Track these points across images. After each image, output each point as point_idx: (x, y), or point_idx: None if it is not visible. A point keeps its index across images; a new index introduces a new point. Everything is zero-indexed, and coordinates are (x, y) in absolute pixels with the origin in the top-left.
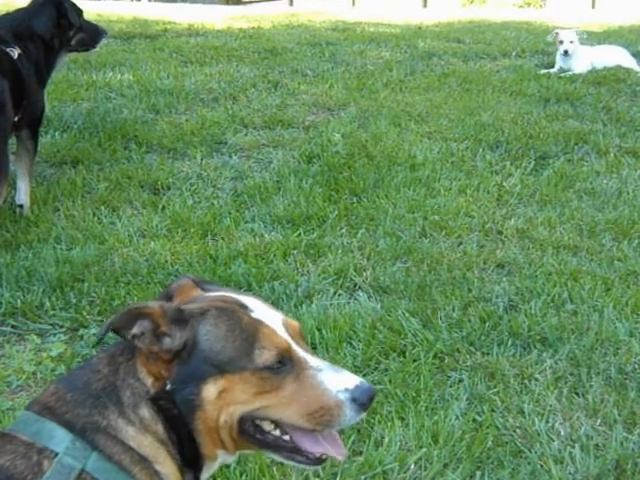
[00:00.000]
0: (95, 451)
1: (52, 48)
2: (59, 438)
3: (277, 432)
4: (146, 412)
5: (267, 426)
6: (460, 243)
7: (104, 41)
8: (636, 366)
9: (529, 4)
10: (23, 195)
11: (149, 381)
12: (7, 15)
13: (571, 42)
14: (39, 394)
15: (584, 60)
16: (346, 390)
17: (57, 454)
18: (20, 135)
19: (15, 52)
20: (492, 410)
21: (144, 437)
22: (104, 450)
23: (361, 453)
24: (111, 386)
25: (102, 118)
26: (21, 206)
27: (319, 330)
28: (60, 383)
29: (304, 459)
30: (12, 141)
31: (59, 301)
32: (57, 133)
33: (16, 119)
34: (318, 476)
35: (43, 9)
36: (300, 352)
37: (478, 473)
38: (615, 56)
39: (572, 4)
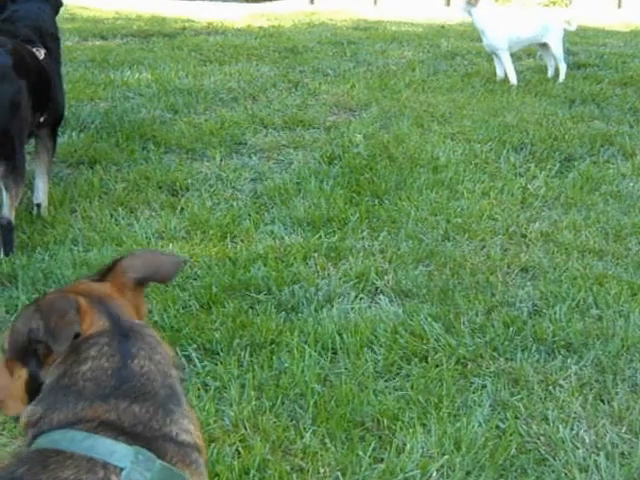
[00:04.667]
0: (158, 460)
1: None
2: (121, 453)
3: None
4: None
5: None
6: (483, 246)
7: None
8: None
9: (554, 3)
10: (41, 194)
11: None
12: (18, 10)
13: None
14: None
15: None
16: None
17: (122, 469)
18: (39, 134)
19: (42, 52)
20: (516, 417)
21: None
22: (166, 456)
23: (382, 460)
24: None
25: (120, 118)
26: (39, 205)
27: (340, 335)
28: None
29: None
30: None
31: None
32: (74, 133)
33: (41, 120)
34: None
35: (46, 5)
36: None
37: None
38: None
39: (598, 3)
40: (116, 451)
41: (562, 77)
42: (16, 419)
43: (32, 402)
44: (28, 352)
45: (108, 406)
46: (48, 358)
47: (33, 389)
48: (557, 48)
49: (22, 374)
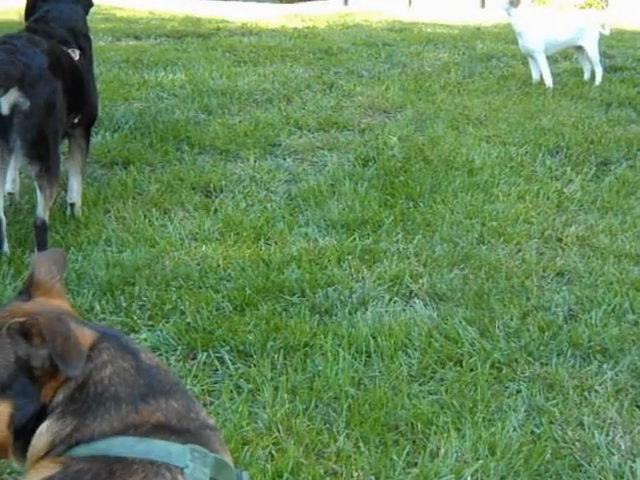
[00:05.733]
0: (211, 454)
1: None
2: (177, 452)
3: None
4: None
5: None
6: (519, 250)
7: None
8: None
9: (590, 5)
10: (75, 194)
11: None
12: (51, 10)
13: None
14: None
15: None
16: None
17: (182, 468)
18: (73, 134)
19: (76, 53)
20: (551, 422)
21: None
22: (210, 444)
23: (416, 464)
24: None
25: (154, 118)
26: (72, 205)
27: (374, 338)
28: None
29: None
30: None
31: (109, 304)
32: (108, 133)
33: (75, 121)
34: None
35: (77, 5)
36: None
37: None
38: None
39: (636, 5)
40: (172, 452)
41: (598, 80)
42: None
43: (49, 419)
44: (14, 382)
45: (151, 407)
46: (51, 380)
47: (22, 420)
48: (593, 51)
49: (2, 409)
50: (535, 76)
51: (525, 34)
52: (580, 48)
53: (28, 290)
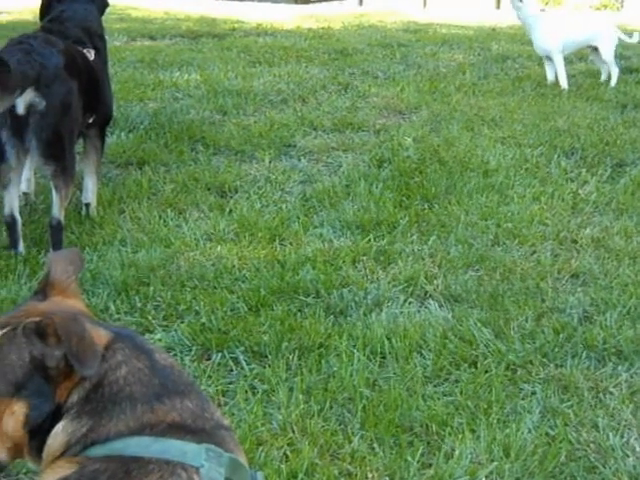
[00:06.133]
0: (226, 454)
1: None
2: (192, 452)
3: None
4: None
5: None
6: (534, 252)
7: None
8: None
9: (606, 6)
10: (90, 194)
11: None
12: (65, 10)
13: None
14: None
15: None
16: None
17: (198, 468)
18: (88, 134)
19: (92, 53)
20: (565, 424)
21: None
22: (225, 444)
23: (431, 465)
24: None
25: (169, 118)
26: (87, 205)
27: (389, 339)
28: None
29: None
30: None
31: (124, 305)
32: (123, 133)
33: (90, 121)
34: None
35: (92, 5)
36: None
37: None
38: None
39: None
40: (187, 451)
41: (614, 82)
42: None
43: (65, 420)
44: (26, 382)
45: (166, 407)
46: (66, 380)
47: (37, 420)
48: (608, 52)
49: (18, 409)
50: (550, 77)
51: (542, 35)
52: (595, 49)
53: (44, 289)
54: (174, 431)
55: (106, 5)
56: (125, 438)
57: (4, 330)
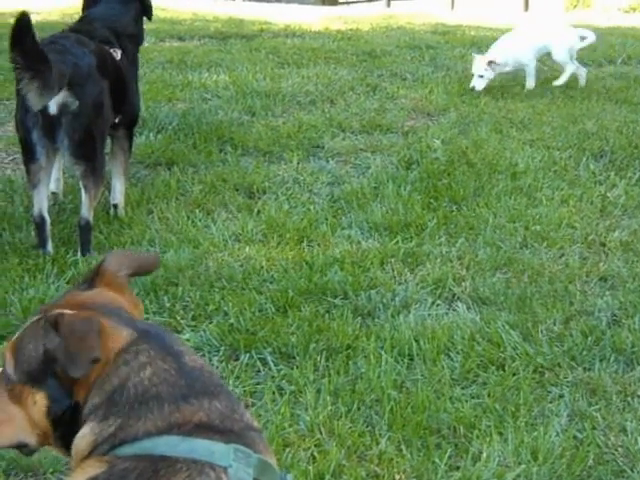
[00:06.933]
0: (255, 454)
1: (138, 46)
2: (220, 452)
3: None
4: None
5: None
6: (562, 255)
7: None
8: None
9: (634, 9)
10: (118, 194)
11: None
12: (95, 9)
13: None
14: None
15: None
16: None
17: (226, 468)
18: (116, 135)
19: (118, 53)
20: (593, 427)
21: None
22: (255, 445)
23: (458, 468)
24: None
25: (197, 119)
26: (115, 206)
27: (416, 341)
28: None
29: None
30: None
31: (153, 305)
32: (152, 134)
33: (116, 121)
34: None
35: (130, 5)
36: None
37: None
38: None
39: None
40: (215, 451)
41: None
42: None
43: (91, 422)
44: (44, 373)
45: (193, 407)
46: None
47: (58, 413)
48: (560, 53)
49: (39, 399)
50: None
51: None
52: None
53: (92, 279)
54: (201, 431)
55: (147, 6)
56: (154, 437)
57: (34, 318)
